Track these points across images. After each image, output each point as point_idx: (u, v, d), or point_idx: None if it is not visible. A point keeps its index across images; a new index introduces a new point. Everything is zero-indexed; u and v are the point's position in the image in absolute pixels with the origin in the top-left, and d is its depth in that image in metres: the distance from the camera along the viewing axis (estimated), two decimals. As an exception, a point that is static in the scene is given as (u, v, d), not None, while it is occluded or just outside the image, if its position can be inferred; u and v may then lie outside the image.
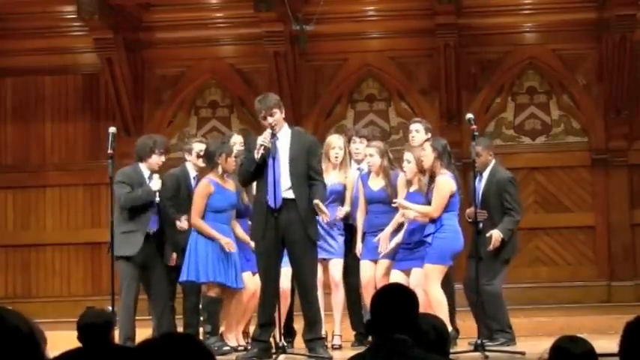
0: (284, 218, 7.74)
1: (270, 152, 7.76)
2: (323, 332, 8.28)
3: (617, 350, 3.35)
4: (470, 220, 8.69)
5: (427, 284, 8.07)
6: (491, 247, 8.46)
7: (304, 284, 7.87)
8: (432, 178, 8.26)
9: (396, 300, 3.63)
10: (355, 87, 12.54)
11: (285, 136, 7.92)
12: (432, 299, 8.04)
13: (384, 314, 3.60)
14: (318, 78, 12.46)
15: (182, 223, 8.58)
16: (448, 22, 11.82)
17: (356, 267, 8.88)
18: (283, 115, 8.00)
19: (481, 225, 8.45)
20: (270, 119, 7.85)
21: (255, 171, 7.82)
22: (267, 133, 7.79)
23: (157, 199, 8.55)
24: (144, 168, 8.63)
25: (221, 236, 8.37)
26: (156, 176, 8.58)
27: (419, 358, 3.52)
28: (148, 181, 8.57)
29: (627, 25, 11.62)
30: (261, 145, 7.73)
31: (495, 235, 8.53)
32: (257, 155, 7.74)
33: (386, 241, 8.47)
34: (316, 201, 7.70)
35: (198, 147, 8.99)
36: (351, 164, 9.08)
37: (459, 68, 12.05)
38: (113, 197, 8.58)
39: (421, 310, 3.85)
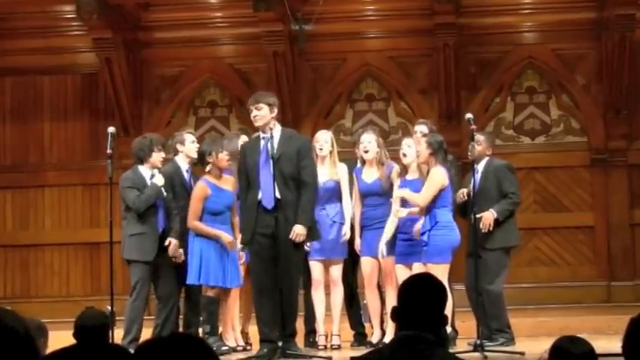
0: (274, 218, 7.77)
1: (262, 153, 7.80)
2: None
3: (620, 349, 3.29)
4: (458, 200, 8.60)
5: None
6: (482, 228, 8.35)
7: (289, 283, 7.84)
8: (428, 173, 8.28)
9: (426, 291, 3.51)
10: (354, 87, 12.52)
11: (275, 135, 7.92)
12: None
13: (412, 304, 3.47)
14: (317, 78, 12.45)
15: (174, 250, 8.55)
16: (447, 21, 11.80)
17: (355, 266, 8.86)
18: (273, 115, 8.00)
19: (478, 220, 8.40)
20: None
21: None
22: None
23: (164, 193, 8.54)
24: (144, 169, 8.62)
25: (223, 233, 8.34)
26: (156, 171, 8.57)
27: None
28: (149, 183, 8.56)
29: (627, 24, 11.60)
30: None
31: (486, 215, 8.41)
32: None
33: (384, 248, 8.49)
34: (296, 229, 7.78)
35: (190, 137, 8.97)
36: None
37: (458, 68, 12.03)
38: (120, 200, 8.60)
39: None
